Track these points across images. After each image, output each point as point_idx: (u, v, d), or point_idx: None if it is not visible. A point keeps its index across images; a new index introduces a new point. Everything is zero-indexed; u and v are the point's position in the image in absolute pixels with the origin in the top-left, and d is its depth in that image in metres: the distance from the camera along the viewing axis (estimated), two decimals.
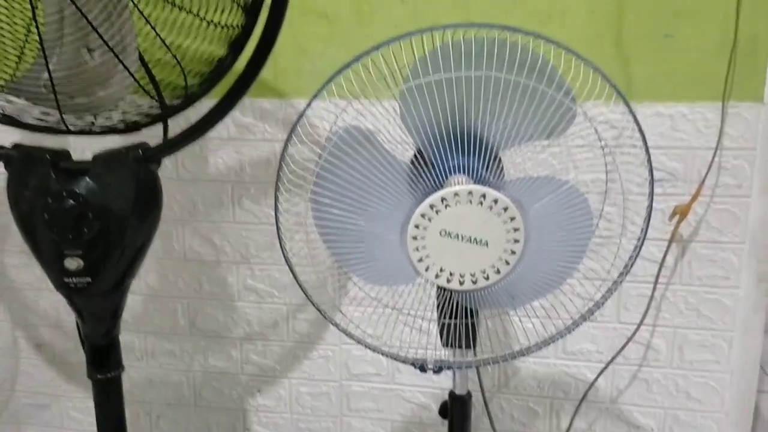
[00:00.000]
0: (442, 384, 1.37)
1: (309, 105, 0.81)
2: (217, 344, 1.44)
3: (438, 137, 0.81)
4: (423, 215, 0.77)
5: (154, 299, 1.44)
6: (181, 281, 1.42)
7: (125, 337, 1.46)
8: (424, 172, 0.79)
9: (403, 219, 0.79)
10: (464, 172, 0.81)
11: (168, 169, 1.35)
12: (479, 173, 0.80)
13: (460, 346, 0.94)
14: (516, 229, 0.77)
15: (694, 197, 1.18)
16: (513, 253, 0.78)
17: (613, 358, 1.27)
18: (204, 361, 1.45)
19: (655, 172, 1.08)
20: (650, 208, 0.84)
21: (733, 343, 1.25)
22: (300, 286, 0.87)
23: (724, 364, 1.27)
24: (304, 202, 0.86)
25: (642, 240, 0.85)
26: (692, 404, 1.30)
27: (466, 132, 0.81)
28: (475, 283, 0.80)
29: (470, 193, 0.76)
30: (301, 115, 0.81)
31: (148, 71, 0.94)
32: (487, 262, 0.79)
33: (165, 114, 1.00)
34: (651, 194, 0.84)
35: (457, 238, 0.78)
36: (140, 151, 0.92)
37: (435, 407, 1.39)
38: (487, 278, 0.80)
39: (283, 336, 1.40)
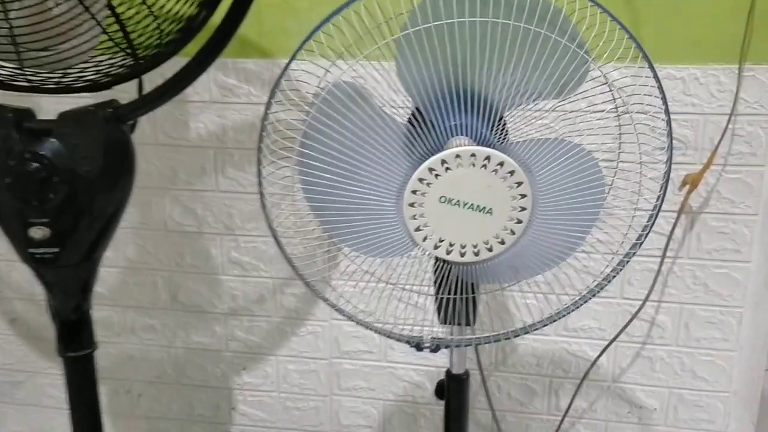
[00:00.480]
0: (438, 362, 1.31)
1: (293, 57, 0.73)
2: (200, 320, 1.37)
3: (438, 94, 0.73)
4: (421, 180, 0.70)
5: (133, 272, 1.36)
6: (161, 253, 1.34)
7: (102, 312, 1.40)
8: (422, 132, 0.72)
9: (398, 184, 0.71)
10: (466, 133, 0.74)
11: (146, 134, 1.27)
12: (482, 134, 0.73)
13: (458, 323, 0.87)
14: (523, 196, 0.70)
15: (706, 166, 1.11)
16: (519, 222, 0.71)
17: (616, 336, 1.21)
18: (186, 337, 1.39)
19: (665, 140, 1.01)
20: (667, 176, 0.77)
21: (743, 320, 1.20)
22: (286, 258, 0.79)
23: (733, 342, 1.21)
24: (291, 168, 0.79)
25: (657, 212, 0.78)
26: (698, 383, 1.25)
27: (469, 89, 0.74)
28: (477, 254, 0.73)
29: (473, 155, 0.69)
30: (285, 69, 0.73)
31: (119, 20, 0.85)
32: (490, 231, 0.72)
33: (138, 69, 0.92)
34: (669, 161, 0.77)
35: (458, 204, 0.71)
36: (110, 110, 0.84)
37: (430, 386, 1.33)
38: (491, 249, 0.73)
39: (270, 311, 1.34)
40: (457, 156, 0.69)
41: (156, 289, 1.37)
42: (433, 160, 0.69)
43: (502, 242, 0.72)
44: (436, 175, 0.69)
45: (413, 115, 0.76)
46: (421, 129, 0.72)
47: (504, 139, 0.75)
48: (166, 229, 1.33)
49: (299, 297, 1.32)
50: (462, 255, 0.73)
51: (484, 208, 0.71)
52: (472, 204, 0.70)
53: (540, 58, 0.69)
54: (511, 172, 0.69)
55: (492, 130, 0.74)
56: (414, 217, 0.71)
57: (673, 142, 1.12)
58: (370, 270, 0.86)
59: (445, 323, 0.87)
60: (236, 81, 1.22)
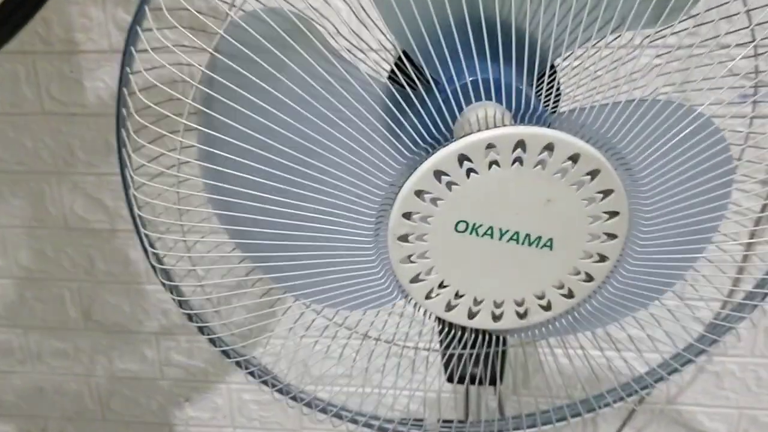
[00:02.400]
0: (434, 385, 1.01)
1: None
2: (124, 341, 1.05)
3: (440, 27, 0.39)
4: (421, 194, 0.37)
5: (31, 283, 1.03)
6: (64, 258, 1.01)
7: None
8: (416, 98, 0.38)
9: (377, 201, 0.38)
10: (492, 96, 0.40)
11: (27, 100, 0.92)
12: (523, 97, 0.40)
13: (475, 383, 0.57)
14: (612, 214, 0.38)
15: None
16: (601, 259, 0.39)
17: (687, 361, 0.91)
18: (108, 363, 1.07)
19: None
20: None
21: None
22: (187, 314, 0.47)
23: None
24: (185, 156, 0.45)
25: None
26: None
27: (498, 16, 0.40)
28: (523, 316, 0.41)
29: (521, 143, 0.35)
30: None
31: None
32: (548, 278, 0.39)
33: None
34: None
35: (490, 235, 0.38)
36: None
37: (424, 412, 1.04)
38: (548, 307, 0.40)
39: (215, 328, 1.02)
40: (491, 146, 0.35)
41: (63, 304, 1.04)
42: (442, 157, 0.36)
43: (570, 295, 0.40)
44: (450, 185, 0.36)
45: (398, 65, 0.43)
46: (414, 92, 0.39)
47: (555, 103, 0.42)
48: (67, 226, 0.99)
49: (251, 308, 1.00)
50: (496, 319, 0.41)
51: (539, 239, 0.38)
52: (516, 234, 0.38)
53: None
54: (593, 173, 0.36)
55: (537, 89, 0.41)
56: (409, 260, 0.38)
57: None
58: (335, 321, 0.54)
59: (454, 382, 0.57)
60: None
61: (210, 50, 0.39)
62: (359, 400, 0.69)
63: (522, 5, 0.41)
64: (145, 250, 0.49)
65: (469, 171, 0.36)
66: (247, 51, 0.36)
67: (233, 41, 0.38)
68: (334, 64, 0.38)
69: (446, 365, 0.57)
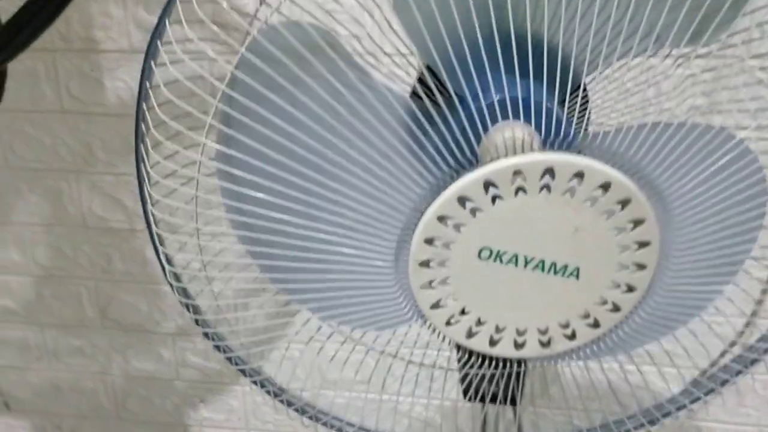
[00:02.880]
0: (451, 394, 0.99)
1: None
2: (141, 341, 1.05)
3: (465, 43, 0.38)
4: (443, 219, 0.35)
5: (49, 281, 1.03)
6: (82, 257, 1.01)
7: (15, 332, 1.08)
8: (439, 114, 0.37)
9: (399, 226, 0.37)
10: (520, 114, 0.39)
11: (47, 98, 0.92)
12: (553, 118, 0.38)
13: (495, 402, 0.56)
14: (643, 245, 0.36)
15: None
16: (630, 290, 0.37)
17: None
18: (125, 362, 1.07)
19: None
20: None
21: None
22: (209, 336, 0.46)
23: None
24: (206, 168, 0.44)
25: None
26: None
27: (524, 30, 0.39)
28: (546, 345, 0.39)
29: (549, 172, 0.34)
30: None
31: None
32: (574, 307, 0.38)
33: None
34: None
35: (514, 262, 0.36)
36: None
37: (440, 421, 1.03)
38: (572, 336, 0.39)
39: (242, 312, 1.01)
40: (518, 173, 0.34)
41: (80, 302, 1.04)
42: (467, 183, 0.34)
43: (595, 324, 0.39)
44: (474, 211, 0.35)
45: (422, 80, 0.41)
46: (438, 109, 0.37)
47: (585, 125, 0.40)
48: (86, 225, 0.99)
49: (262, 316, 1.00)
50: (518, 347, 0.39)
51: (565, 268, 0.36)
52: (541, 262, 0.36)
53: None
54: (624, 203, 0.35)
55: (567, 108, 0.39)
56: (430, 286, 0.37)
57: None
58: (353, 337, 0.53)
59: (472, 400, 0.56)
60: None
61: (230, 64, 0.38)
62: (376, 406, 0.68)
63: (555, 16, 0.39)
64: (156, 249, 0.48)
65: (495, 197, 0.35)
66: (263, 66, 0.35)
67: (252, 57, 0.37)
68: (356, 83, 0.37)
69: (463, 382, 0.56)
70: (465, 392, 0.57)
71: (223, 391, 1.06)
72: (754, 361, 0.50)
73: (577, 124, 0.41)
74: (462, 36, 0.38)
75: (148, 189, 0.43)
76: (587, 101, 0.44)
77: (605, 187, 0.34)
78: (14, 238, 1.01)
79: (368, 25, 0.42)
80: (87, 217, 0.98)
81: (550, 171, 0.34)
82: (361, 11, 0.42)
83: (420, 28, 0.37)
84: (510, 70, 0.38)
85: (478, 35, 0.37)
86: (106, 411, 1.11)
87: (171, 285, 0.48)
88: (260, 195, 0.36)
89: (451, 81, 0.38)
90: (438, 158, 0.35)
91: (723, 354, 0.79)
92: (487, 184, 0.34)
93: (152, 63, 0.38)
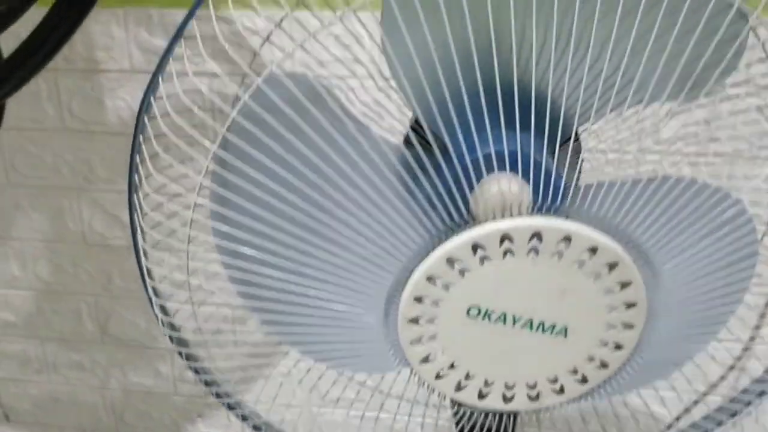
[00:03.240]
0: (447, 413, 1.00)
1: (197, 5, 0.38)
2: (139, 356, 1.05)
3: (455, 94, 0.38)
4: (431, 279, 0.35)
5: (49, 296, 1.04)
6: (82, 273, 1.01)
7: (15, 345, 1.08)
8: (431, 163, 0.37)
9: (389, 283, 0.37)
10: (510, 165, 0.39)
11: (49, 116, 0.92)
12: (542, 171, 0.38)
13: None
14: (630, 305, 0.36)
15: None
16: (618, 347, 0.38)
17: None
18: (123, 377, 1.07)
19: None
20: None
21: None
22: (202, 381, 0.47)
23: None
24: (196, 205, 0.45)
25: None
26: None
27: (515, 80, 0.39)
28: (535, 399, 0.40)
29: (537, 236, 0.34)
30: (180, 29, 0.39)
31: None
32: (562, 364, 0.38)
33: None
34: None
35: (503, 321, 0.37)
36: None
37: None
38: (561, 391, 0.39)
39: (228, 347, 1.01)
40: (506, 238, 0.34)
41: (80, 317, 1.04)
42: (456, 246, 0.35)
43: (584, 380, 0.39)
44: (462, 271, 0.35)
45: (414, 129, 0.42)
46: (430, 156, 0.37)
47: (580, 174, 0.41)
48: (86, 241, 0.99)
49: (245, 349, 1.00)
50: (507, 401, 0.40)
51: (553, 327, 0.37)
52: (530, 320, 0.36)
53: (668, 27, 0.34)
54: (612, 266, 0.35)
55: (557, 160, 0.40)
56: (419, 341, 0.37)
57: None
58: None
59: None
60: (166, 41, 0.87)
61: (229, 112, 0.38)
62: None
63: (545, 71, 0.40)
64: (144, 282, 0.48)
65: (483, 258, 0.35)
66: (264, 120, 0.35)
67: (244, 117, 0.37)
68: (351, 133, 0.37)
69: (457, 425, 0.56)
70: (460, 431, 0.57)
71: (221, 406, 1.06)
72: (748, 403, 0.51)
73: (569, 172, 0.41)
74: (446, 91, 0.37)
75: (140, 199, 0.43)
76: (580, 149, 0.44)
77: (593, 250, 0.34)
78: (15, 254, 1.02)
79: (362, 76, 0.42)
80: (87, 234, 0.99)
81: (537, 235, 0.34)
82: (355, 63, 0.42)
83: (405, 78, 0.37)
84: (500, 123, 0.39)
85: (468, 86, 0.37)
86: (105, 424, 1.12)
87: (156, 315, 0.49)
88: (251, 252, 0.36)
89: (442, 133, 0.39)
90: (427, 219, 0.35)
91: (722, 378, 0.79)
92: (476, 246, 0.34)
93: (145, 118, 0.38)
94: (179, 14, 0.84)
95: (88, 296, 1.03)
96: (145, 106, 0.41)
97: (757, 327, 0.77)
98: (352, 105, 0.40)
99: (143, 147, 0.39)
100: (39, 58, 0.51)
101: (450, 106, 0.37)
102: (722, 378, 0.82)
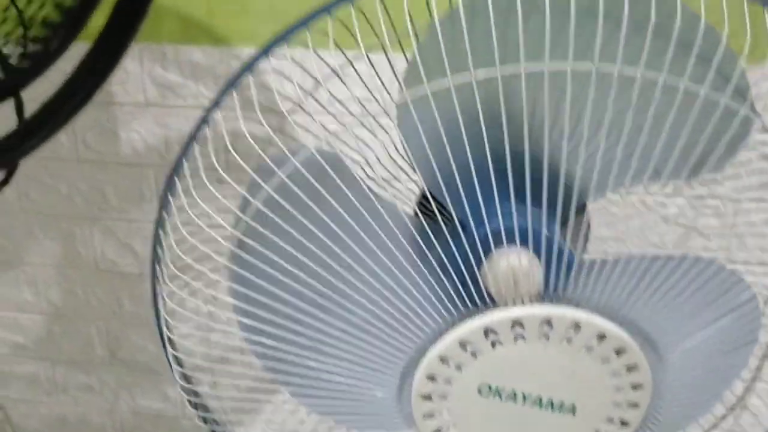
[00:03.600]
0: None
1: (270, 48, 0.39)
2: (148, 380, 1.06)
3: (468, 167, 0.39)
4: (444, 360, 0.37)
5: (60, 320, 1.05)
6: (93, 299, 1.03)
7: (26, 367, 1.10)
8: (439, 240, 0.38)
9: (403, 362, 0.38)
10: (520, 240, 0.40)
11: (64, 147, 0.94)
12: (554, 246, 0.40)
13: None
14: (636, 387, 0.38)
15: None
16: (624, 424, 0.39)
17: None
18: (131, 400, 1.09)
19: None
20: None
21: None
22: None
23: None
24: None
25: None
26: None
27: (526, 154, 0.40)
28: None
29: (548, 323, 0.36)
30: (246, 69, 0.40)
31: None
32: None
33: (12, 81, 0.60)
34: None
35: (514, 399, 0.38)
36: None
37: None
38: None
39: (238, 371, 1.03)
40: (517, 324, 0.36)
41: (90, 341, 1.06)
42: (468, 330, 0.36)
43: None
44: (474, 354, 0.37)
45: (422, 202, 0.43)
46: (438, 232, 0.39)
47: (585, 248, 0.42)
48: (98, 268, 1.01)
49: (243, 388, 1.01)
50: None
51: (562, 404, 0.38)
52: (539, 398, 0.38)
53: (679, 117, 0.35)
54: (619, 351, 0.36)
55: (566, 234, 0.41)
56: (431, 416, 0.39)
57: None
58: None
59: None
60: (180, 77, 0.88)
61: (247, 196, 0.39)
62: None
63: (556, 149, 0.41)
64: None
65: (495, 342, 0.36)
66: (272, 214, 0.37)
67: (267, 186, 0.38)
68: (364, 208, 0.38)
69: None
70: None
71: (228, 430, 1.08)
72: None
73: (576, 243, 0.42)
74: (465, 159, 0.39)
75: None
76: (589, 221, 0.45)
77: (601, 337, 0.36)
78: (28, 279, 1.03)
79: (376, 148, 0.44)
80: (99, 261, 1.00)
81: (548, 322, 0.35)
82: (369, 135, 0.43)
83: (416, 152, 0.38)
84: (510, 198, 0.40)
85: (472, 167, 0.39)
86: None
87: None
88: (269, 329, 0.37)
89: (453, 207, 0.40)
90: (439, 302, 0.37)
91: (724, 417, 0.80)
92: (488, 331, 0.36)
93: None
94: (193, 51, 0.86)
95: (99, 321, 1.05)
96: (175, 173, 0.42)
97: (758, 368, 0.79)
98: (367, 179, 0.42)
99: (167, 222, 0.40)
100: (59, 120, 0.53)
101: (473, 177, 0.38)
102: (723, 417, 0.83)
